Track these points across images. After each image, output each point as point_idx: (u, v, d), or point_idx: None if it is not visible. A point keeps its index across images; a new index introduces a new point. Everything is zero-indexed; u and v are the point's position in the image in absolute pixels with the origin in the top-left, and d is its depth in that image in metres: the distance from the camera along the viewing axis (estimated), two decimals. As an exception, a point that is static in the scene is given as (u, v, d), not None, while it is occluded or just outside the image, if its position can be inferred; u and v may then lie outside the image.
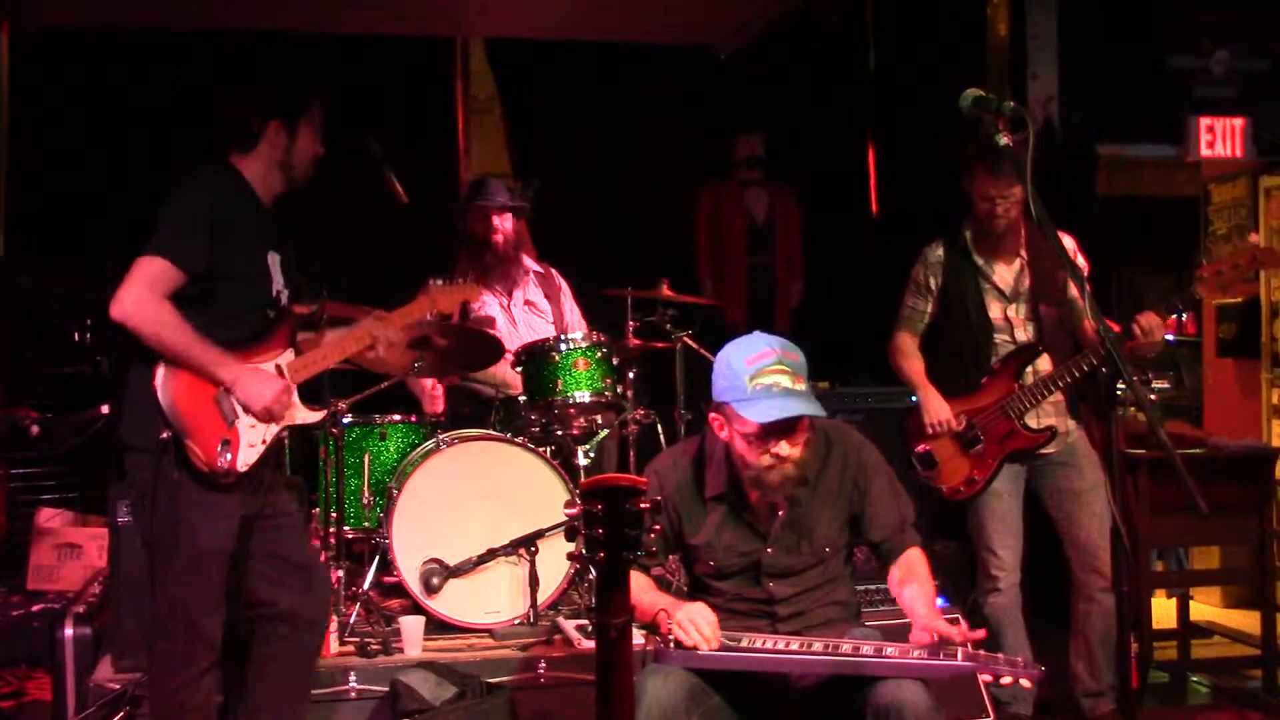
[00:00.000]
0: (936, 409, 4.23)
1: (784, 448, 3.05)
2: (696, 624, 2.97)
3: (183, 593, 3.25)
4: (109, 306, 3.16)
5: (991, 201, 4.08)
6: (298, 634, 3.47)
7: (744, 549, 3.20)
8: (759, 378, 3.02)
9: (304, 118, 3.45)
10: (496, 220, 5.28)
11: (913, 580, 3.16)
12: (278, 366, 3.41)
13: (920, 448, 4.28)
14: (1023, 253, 4.23)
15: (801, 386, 3.05)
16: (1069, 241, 4.12)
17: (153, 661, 3.39)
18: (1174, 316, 4.01)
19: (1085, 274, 4.09)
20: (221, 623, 3.30)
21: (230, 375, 3.26)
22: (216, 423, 3.26)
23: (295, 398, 3.45)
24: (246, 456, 3.30)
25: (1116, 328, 3.78)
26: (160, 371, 3.22)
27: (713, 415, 3.17)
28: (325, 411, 3.59)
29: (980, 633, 2.94)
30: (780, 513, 3.18)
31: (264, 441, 3.35)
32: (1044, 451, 4.19)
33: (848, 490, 3.22)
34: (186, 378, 3.23)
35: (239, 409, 3.29)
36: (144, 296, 3.16)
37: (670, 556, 3.48)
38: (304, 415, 3.50)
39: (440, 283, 3.90)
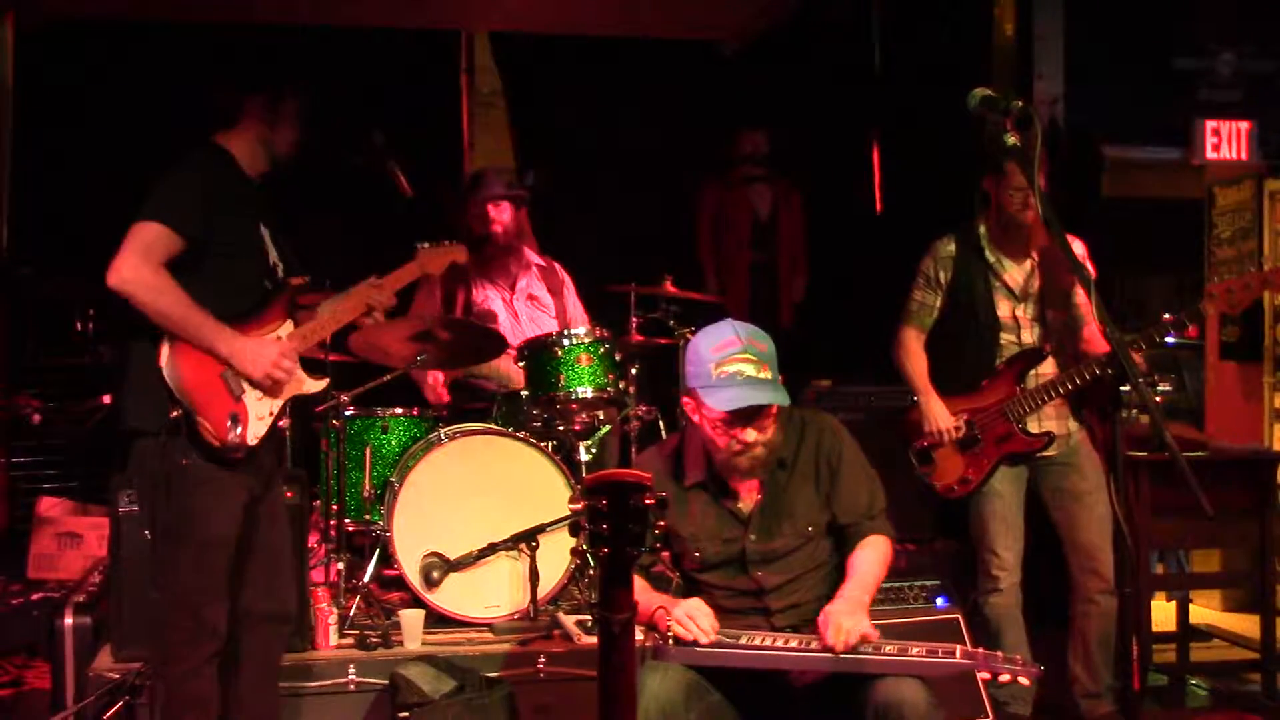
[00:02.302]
0: (937, 416, 4.21)
1: (750, 434, 3.07)
2: (694, 618, 3.00)
3: (189, 581, 3.26)
4: (105, 275, 3.16)
5: (1024, 192, 4.04)
6: (262, 629, 3.46)
7: (727, 536, 3.21)
8: (723, 365, 3.05)
9: (284, 96, 3.48)
10: (493, 211, 5.26)
11: (863, 551, 3.18)
12: (278, 338, 3.42)
13: (918, 444, 4.28)
14: (1034, 254, 4.22)
15: (767, 375, 3.06)
16: (1079, 246, 4.11)
17: (157, 650, 3.38)
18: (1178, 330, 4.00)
19: (1093, 279, 4.09)
20: (226, 611, 3.31)
21: (227, 348, 3.27)
22: (224, 398, 3.27)
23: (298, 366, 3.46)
24: (256, 429, 3.32)
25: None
26: (165, 350, 3.21)
27: (685, 399, 3.20)
28: (328, 380, 3.61)
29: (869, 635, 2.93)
30: (758, 496, 3.19)
31: (271, 414, 3.37)
32: (1045, 453, 4.18)
33: (822, 471, 3.24)
34: (191, 355, 3.23)
35: (245, 383, 3.31)
36: (140, 264, 3.16)
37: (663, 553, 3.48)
38: (310, 384, 3.51)
39: (427, 246, 3.94)
